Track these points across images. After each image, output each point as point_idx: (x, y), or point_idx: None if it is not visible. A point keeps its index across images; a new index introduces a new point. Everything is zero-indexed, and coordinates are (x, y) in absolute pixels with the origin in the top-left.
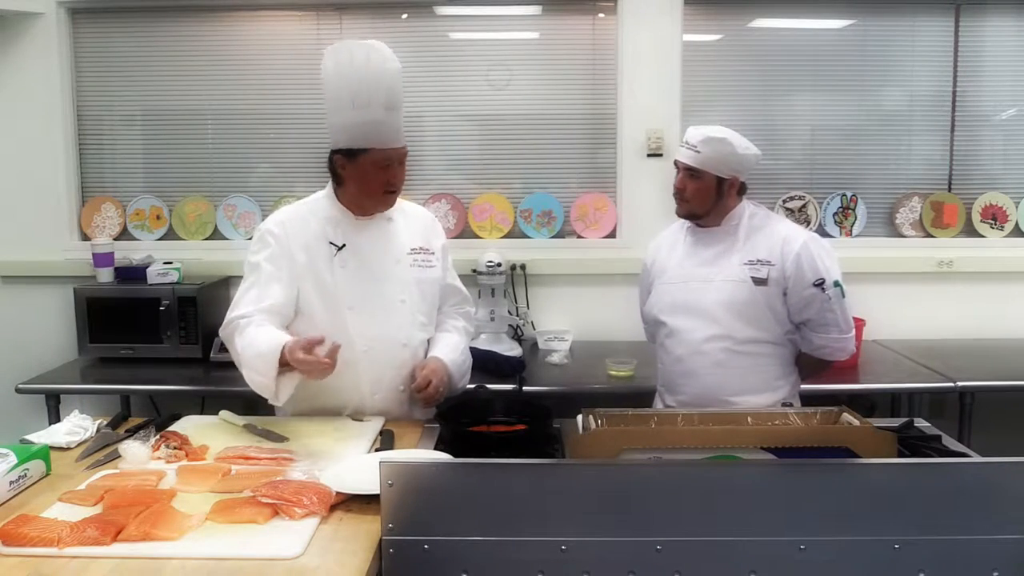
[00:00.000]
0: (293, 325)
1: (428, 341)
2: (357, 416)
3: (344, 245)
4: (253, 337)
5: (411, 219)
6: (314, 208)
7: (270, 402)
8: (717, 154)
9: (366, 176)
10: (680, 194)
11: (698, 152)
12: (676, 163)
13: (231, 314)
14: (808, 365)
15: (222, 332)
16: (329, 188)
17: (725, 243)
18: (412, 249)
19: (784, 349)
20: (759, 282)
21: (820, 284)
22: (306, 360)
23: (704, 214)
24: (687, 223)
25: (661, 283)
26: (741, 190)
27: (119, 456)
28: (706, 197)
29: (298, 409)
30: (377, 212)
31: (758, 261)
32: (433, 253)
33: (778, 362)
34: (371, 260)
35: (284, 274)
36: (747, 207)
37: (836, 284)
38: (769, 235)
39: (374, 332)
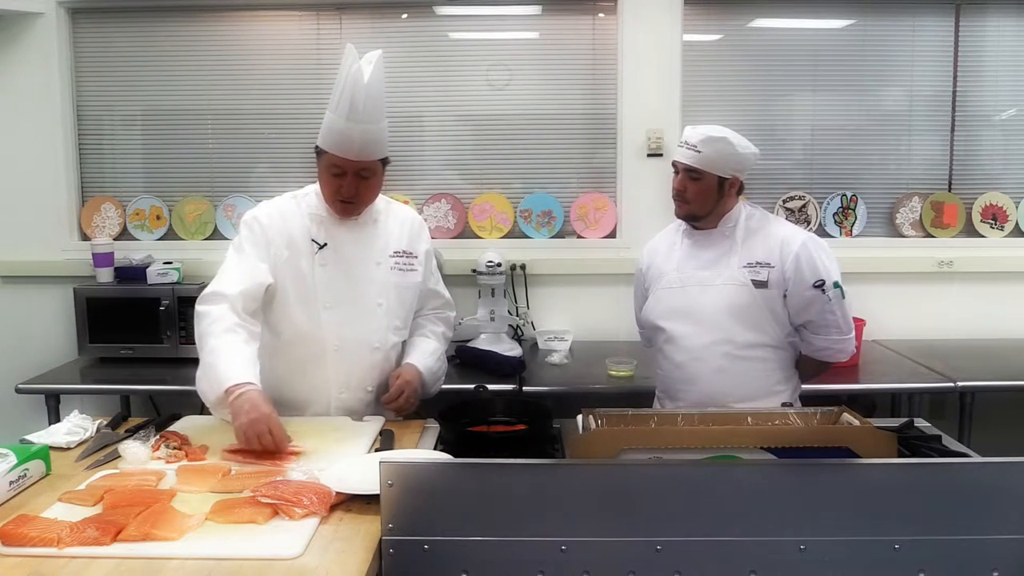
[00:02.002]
0: (267, 317)
1: (402, 344)
2: (355, 416)
3: (326, 244)
4: (218, 345)
5: (397, 221)
6: (302, 203)
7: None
8: (718, 154)
9: (322, 178)
10: (681, 196)
11: (698, 152)
12: (675, 164)
13: (213, 287)
14: (809, 367)
15: (199, 305)
16: (318, 184)
17: (723, 246)
18: (395, 252)
19: (785, 352)
20: (759, 285)
21: (820, 285)
22: (255, 447)
23: (705, 215)
24: (682, 225)
25: (659, 288)
26: (740, 189)
27: (119, 456)
28: (708, 198)
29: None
30: (340, 216)
31: (757, 263)
32: (416, 257)
33: (779, 366)
34: (352, 261)
35: (264, 263)
36: (744, 208)
37: (836, 285)
38: (767, 236)
39: (347, 332)
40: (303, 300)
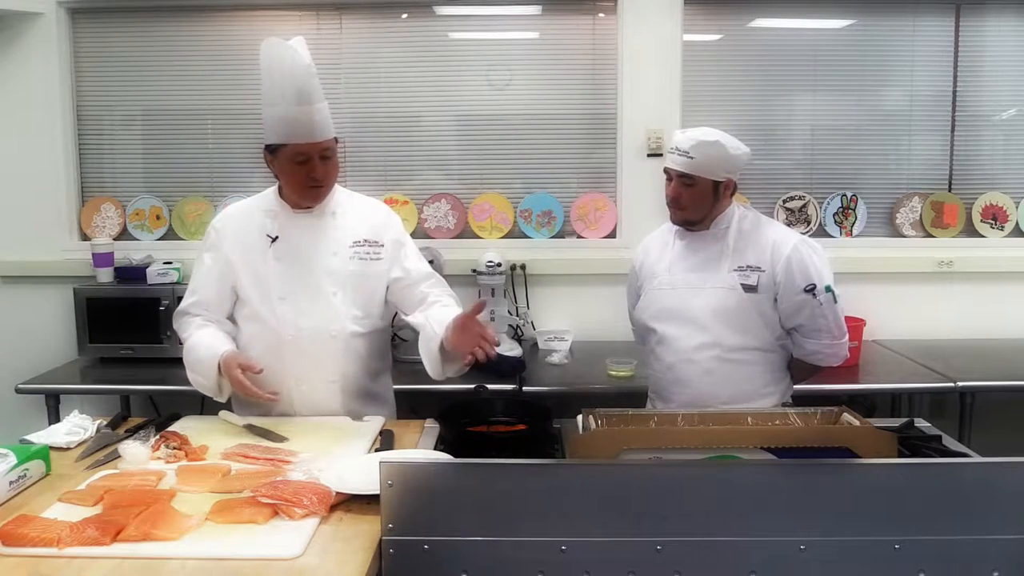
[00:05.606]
0: (235, 313)
1: (369, 336)
2: (355, 416)
3: (277, 237)
4: (195, 342)
5: (358, 213)
6: (259, 202)
7: (215, 399)
8: (710, 159)
9: (285, 171)
10: (676, 203)
11: (691, 158)
12: (667, 171)
13: (180, 305)
14: (800, 370)
15: (174, 323)
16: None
17: (714, 248)
18: (356, 242)
19: (775, 355)
20: (749, 289)
21: (811, 290)
22: (244, 387)
23: (701, 220)
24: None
25: (651, 288)
26: (734, 190)
27: (119, 456)
28: (703, 203)
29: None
30: (307, 206)
31: (748, 267)
32: (382, 246)
33: (768, 369)
34: (306, 252)
35: (219, 267)
36: (736, 210)
37: (828, 289)
38: (759, 240)
39: (302, 322)
40: (260, 294)
